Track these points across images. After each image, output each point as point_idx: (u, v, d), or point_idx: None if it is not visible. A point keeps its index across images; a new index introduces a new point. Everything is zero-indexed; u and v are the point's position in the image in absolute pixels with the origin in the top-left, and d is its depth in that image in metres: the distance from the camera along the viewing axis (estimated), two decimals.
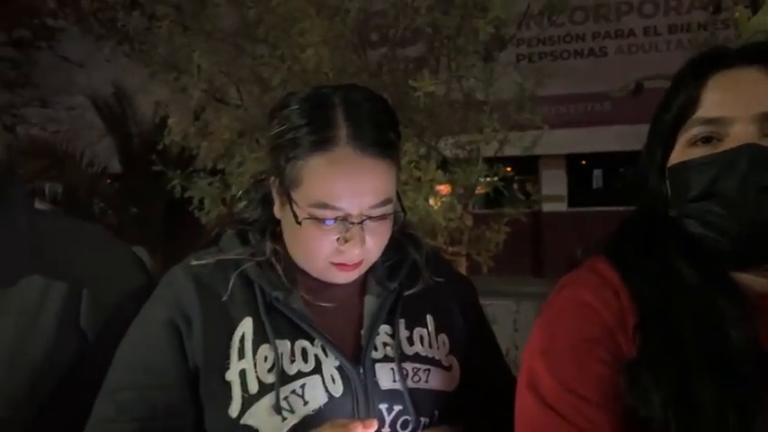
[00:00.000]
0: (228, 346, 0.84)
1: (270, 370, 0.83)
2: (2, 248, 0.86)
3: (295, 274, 0.91)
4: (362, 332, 0.90)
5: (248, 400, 0.82)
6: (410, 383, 0.88)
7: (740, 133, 0.71)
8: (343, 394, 0.84)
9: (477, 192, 3.16)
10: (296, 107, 0.85)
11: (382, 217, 0.86)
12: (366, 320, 0.91)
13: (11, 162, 0.92)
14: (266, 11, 2.95)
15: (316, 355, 0.86)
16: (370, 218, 0.84)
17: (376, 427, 0.80)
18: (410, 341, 0.92)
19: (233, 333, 0.85)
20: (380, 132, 0.85)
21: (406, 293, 0.94)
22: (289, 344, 0.86)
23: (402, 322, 0.92)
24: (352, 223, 0.83)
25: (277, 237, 0.93)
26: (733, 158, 0.70)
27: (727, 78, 0.74)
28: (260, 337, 0.85)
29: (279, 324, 0.86)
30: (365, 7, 3.00)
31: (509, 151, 3.08)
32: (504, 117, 2.94)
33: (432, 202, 2.84)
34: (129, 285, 0.94)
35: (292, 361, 0.85)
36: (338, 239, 0.84)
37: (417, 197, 2.63)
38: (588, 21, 9.00)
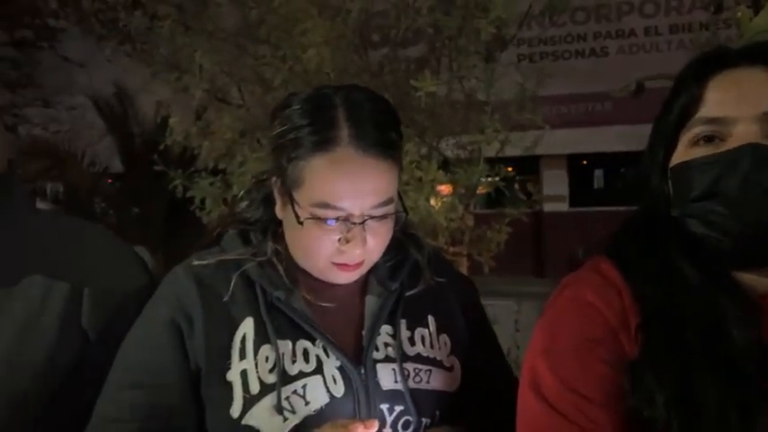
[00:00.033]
0: (230, 347, 0.84)
1: (271, 370, 0.83)
2: (3, 248, 0.87)
3: (296, 274, 0.91)
4: (364, 332, 0.90)
5: (249, 401, 0.82)
6: (411, 384, 0.88)
7: (743, 133, 0.71)
8: (344, 394, 0.84)
9: (478, 192, 3.15)
10: (297, 107, 0.85)
11: (384, 217, 0.86)
12: (367, 321, 0.91)
13: (12, 162, 0.92)
14: (268, 11, 2.95)
15: (317, 356, 0.86)
16: (371, 218, 0.84)
17: (377, 428, 0.79)
18: (411, 341, 0.92)
19: (234, 333, 0.85)
20: (382, 132, 0.85)
21: (408, 294, 0.94)
22: (290, 344, 0.86)
23: (403, 323, 0.92)
24: (354, 223, 0.83)
25: (278, 237, 0.93)
26: (735, 158, 0.70)
27: (730, 78, 0.74)
28: (261, 338, 0.85)
29: (280, 324, 0.86)
30: (367, 8, 3.00)
31: (510, 151, 3.08)
32: (505, 117, 2.94)
33: (433, 202, 2.84)
34: (130, 285, 0.94)
35: (293, 361, 0.85)
36: (340, 240, 0.84)
37: (419, 197, 2.63)
38: (589, 21, 8.99)
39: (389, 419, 0.86)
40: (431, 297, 0.96)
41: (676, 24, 8.64)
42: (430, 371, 0.91)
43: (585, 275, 0.79)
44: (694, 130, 0.74)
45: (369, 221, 0.84)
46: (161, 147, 3.34)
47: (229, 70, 3.19)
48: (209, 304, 0.86)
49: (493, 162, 3.00)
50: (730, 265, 0.74)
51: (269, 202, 0.93)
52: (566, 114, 8.59)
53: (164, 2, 3.18)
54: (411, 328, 0.93)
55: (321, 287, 0.91)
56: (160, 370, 0.84)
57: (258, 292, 0.88)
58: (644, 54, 8.77)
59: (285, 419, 0.81)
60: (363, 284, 0.94)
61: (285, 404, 0.82)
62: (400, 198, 0.90)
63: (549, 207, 9.37)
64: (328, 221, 0.83)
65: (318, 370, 0.85)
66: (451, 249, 3.00)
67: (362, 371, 0.86)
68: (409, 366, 0.89)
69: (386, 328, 0.91)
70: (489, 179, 3.08)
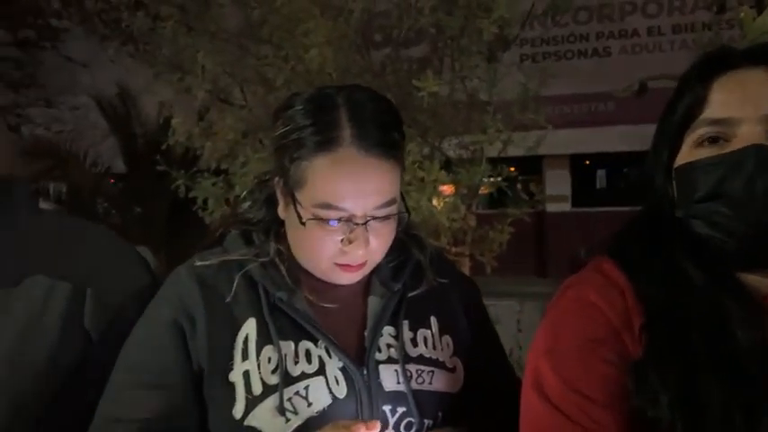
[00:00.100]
0: (232, 347, 0.84)
1: (273, 371, 0.83)
2: (6, 248, 0.87)
3: (299, 274, 0.91)
4: (366, 333, 0.90)
5: (252, 402, 0.82)
6: (414, 385, 0.88)
7: (747, 134, 0.71)
8: (346, 396, 0.84)
9: (480, 192, 3.15)
10: (300, 108, 0.85)
11: (386, 217, 0.85)
12: (370, 321, 0.91)
13: (15, 162, 0.92)
14: (270, 11, 2.95)
15: (319, 357, 0.86)
16: (374, 218, 0.84)
17: (379, 429, 0.79)
18: (414, 342, 0.92)
19: (237, 334, 0.85)
20: (384, 133, 0.84)
21: (410, 295, 0.94)
22: (292, 345, 0.86)
23: (406, 323, 0.92)
24: (357, 224, 0.83)
25: (281, 237, 0.93)
26: (740, 159, 0.70)
27: (734, 79, 0.74)
28: (263, 338, 0.85)
29: (282, 325, 0.86)
30: (369, 8, 2.99)
31: (513, 151, 3.07)
32: (507, 117, 2.93)
33: (435, 202, 2.83)
34: (133, 285, 0.94)
35: (296, 362, 0.85)
36: (342, 240, 0.84)
37: (421, 197, 2.62)
38: (592, 21, 8.99)
39: (392, 421, 0.86)
40: (433, 298, 0.96)
41: (679, 24, 8.64)
42: (432, 372, 0.90)
43: (588, 276, 0.79)
44: (699, 131, 0.74)
45: (371, 222, 0.84)
46: (163, 147, 3.34)
47: (232, 71, 3.19)
48: (212, 305, 0.86)
49: (495, 162, 3.00)
50: (734, 266, 0.73)
51: (271, 202, 0.93)
52: (568, 114, 8.59)
53: (166, 2, 3.18)
54: (414, 329, 0.93)
55: (323, 288, 0.91)
56: (162, 370, 0.84)
57: (261, 293, 0.88)
58: (647, 54, 8.76)
59: (287, 420, 0.81)
60: (366, 285, 0.94)
61: (287, 405, 0.82)
62: (403, 198, 0.90)
63: (551, 207, 9.37)
64: (331, 222, 0.83)
65: (321, 371, 0.85)
66: (454, 250, 2.99)
67: (365, 372, 0.86)
68: (412, 367, 0.89)
69: (388, 329, 0.91)
70: (492, 179, 3.08)
